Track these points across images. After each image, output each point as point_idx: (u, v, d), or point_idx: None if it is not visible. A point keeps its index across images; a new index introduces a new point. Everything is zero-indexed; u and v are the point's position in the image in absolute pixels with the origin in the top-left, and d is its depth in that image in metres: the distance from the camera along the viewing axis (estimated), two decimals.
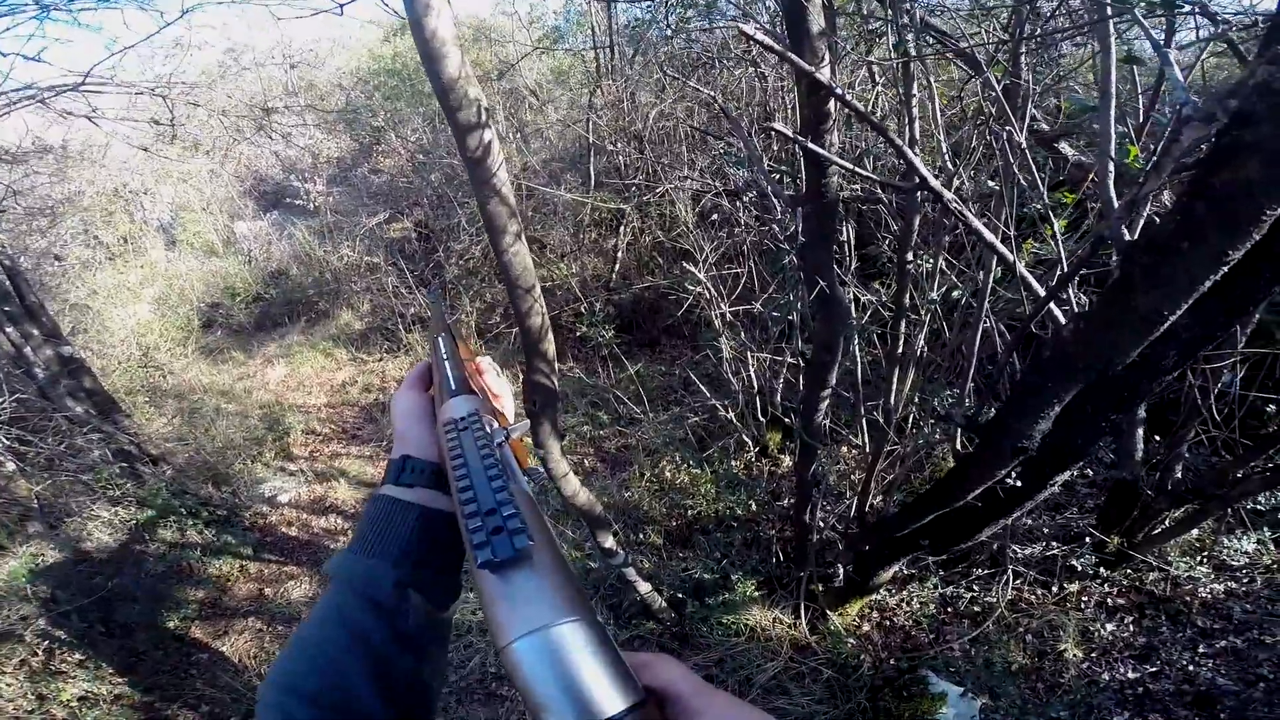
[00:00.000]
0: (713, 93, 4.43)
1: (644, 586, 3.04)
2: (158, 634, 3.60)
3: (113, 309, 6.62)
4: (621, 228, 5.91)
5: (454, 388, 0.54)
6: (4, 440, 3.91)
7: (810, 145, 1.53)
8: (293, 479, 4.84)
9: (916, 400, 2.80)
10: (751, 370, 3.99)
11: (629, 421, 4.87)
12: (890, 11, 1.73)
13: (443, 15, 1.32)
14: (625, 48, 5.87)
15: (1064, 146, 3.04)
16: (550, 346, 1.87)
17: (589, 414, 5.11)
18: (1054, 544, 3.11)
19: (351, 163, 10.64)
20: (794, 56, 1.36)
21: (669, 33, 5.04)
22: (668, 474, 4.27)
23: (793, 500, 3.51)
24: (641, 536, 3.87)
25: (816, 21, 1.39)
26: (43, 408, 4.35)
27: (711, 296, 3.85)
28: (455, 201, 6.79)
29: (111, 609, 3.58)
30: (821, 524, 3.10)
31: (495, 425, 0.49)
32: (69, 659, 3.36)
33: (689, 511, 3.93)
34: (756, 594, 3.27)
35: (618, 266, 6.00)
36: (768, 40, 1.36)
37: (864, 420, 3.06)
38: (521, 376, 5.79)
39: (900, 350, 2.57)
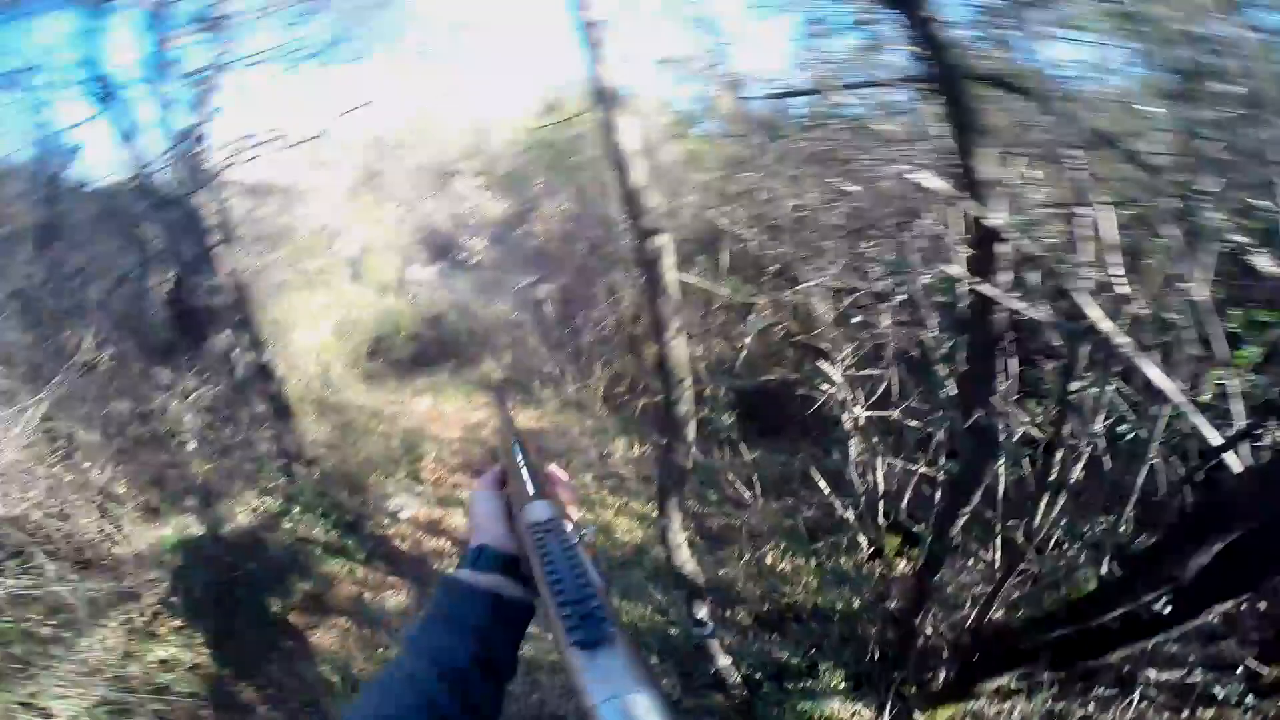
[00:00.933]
0: (855, 187, 4.47)
1: (723, 660, 3.04)
2: (257, 616, 3.86)
3: (302, 328, 7.60)
4: (750, 315, 6.00)
5: (533, 492, 0.62)
6: (198, 422, 4.55)
7: (980, 288, 1.53)
8: (416, 499, 5.19)
9: (1063, 524, 2.61)
10: (879, 475, 3.83)
11: (736, 504, 4.79)
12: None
13: (630, 130, 1.49)
14: (756, 137, 6.08)
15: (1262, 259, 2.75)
16: (691, 431, 1.99)
17: (698, 491, 5.11)
18: (1198, 670, 2.75)
19: (510, 225, 11.75)
20: (968, 201, 1.38)
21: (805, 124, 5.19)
22: (769, 559, 4.23)
23: (901, 603, 3.51)
24: (730, 614, 3.84)
25: (987, 166, 1.41)
26: (232, 401, 5.02)
27: (845, 398, 3.79)
28: (597, 272, 7.25)
29: (227, 586, 3.86)
30: (931, 629, 3.00)
31: (572, 528, 0.55)
32: (169, 625, 3.63)
33: (784, 599, 3.87)
34: (842, 686, 3.16)
35: (744, 354, 6.05)
36: (939, 185, 1.39)
37: (999, 537, 2.84)
38: (638, 449, 5.82)
39: (1053, 477, 2.38)
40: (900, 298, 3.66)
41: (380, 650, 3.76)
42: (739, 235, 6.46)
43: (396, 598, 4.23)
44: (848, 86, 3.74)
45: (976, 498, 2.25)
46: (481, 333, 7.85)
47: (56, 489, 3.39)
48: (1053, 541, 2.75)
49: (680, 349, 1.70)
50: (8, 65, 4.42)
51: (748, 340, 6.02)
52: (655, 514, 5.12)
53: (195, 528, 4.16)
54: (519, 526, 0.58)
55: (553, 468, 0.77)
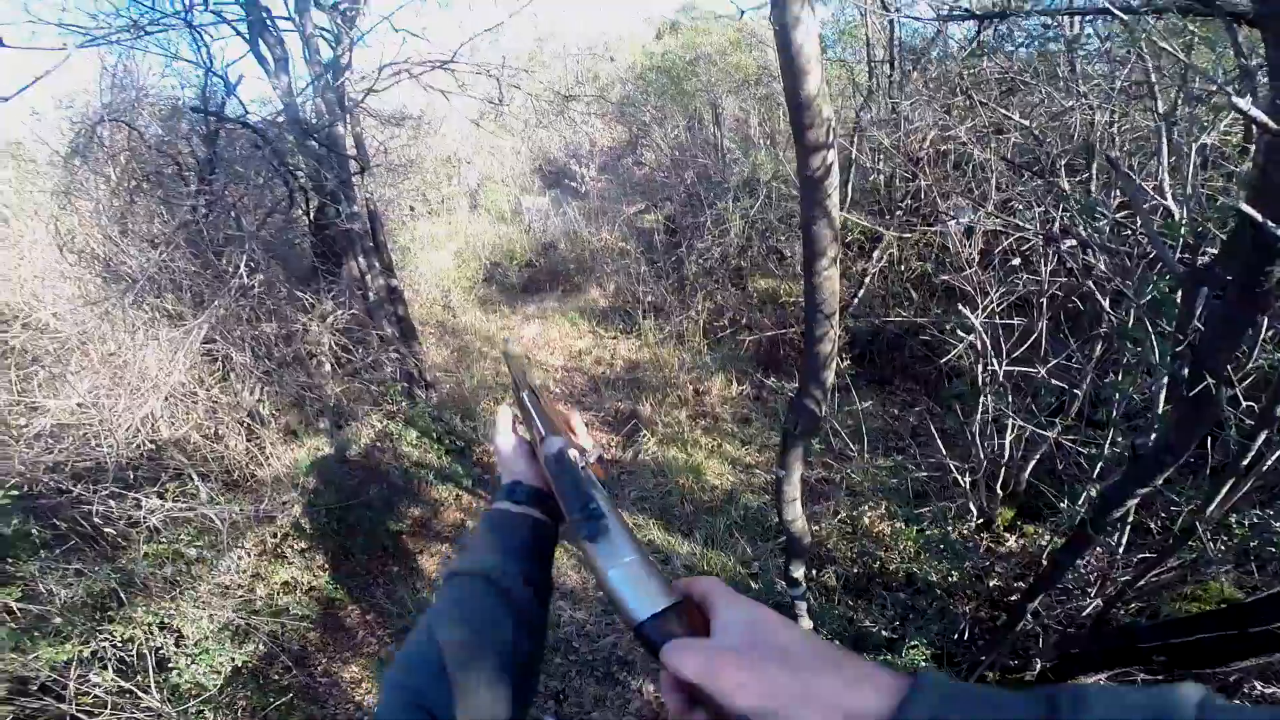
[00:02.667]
0: (1025, 120, 3.63)
1: (806, 623, 2.90)
2: (370, 539, 4.04)
3: (425, 254, 7.92)
4: (875, 252, 5.27)
5: (545, 431, 0.70)
6: (334, 343, 4.82)
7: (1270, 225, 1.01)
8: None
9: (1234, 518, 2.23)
10: (1008, 439, 3.40)
11: (839, 456, 4.39)
12: None
13: (811, 32, 1.13)
14: (904, 63, 5.15)
15: None
16: (830, 375, 1.74)
17: (819, 444, 4.77)
18: None
19: (620, 153, 11.32)
20: None
21: (971, 49, 4.26)
22: (866, 520, 3.90)
23: (1003, 581, 3.28)
24: (818, 574, 3.61)
25: None
26: (364, 324, 5.29)
27: (984, 348, 3.22)
28: (704, 202, 6.73)
29: (347, 509, 4.01)
30: (1037, 613, 2.73)
31: (578, 455, 0.64)
32: (295, 546, 3.83)
33: (876, 564, 3.60)
34: (922, 664, 2.88)
35: (862, 293, 5.39)
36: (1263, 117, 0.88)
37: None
38: (736, 387, 5.44)
39: (1247, 463, 1.85)
40: (1069, 243, 2.93)
41: None
42: (866, 166, 5.65)
43: None
44: (1060, 13, 2.89)
45: (1160, 480, 1.83)
46: (589, 261, 7.70)
47: (214, 411, 3.74)
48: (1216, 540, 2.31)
49: (833, 281, 1.44)
50: (169, 6, 4.62)
51: (868, 278, 5.36)
52: (749, 459, 4.93)
53: (326, 449, 4.43)
54: (541, 460, 0.67)
55: (561, 406, 0.82)
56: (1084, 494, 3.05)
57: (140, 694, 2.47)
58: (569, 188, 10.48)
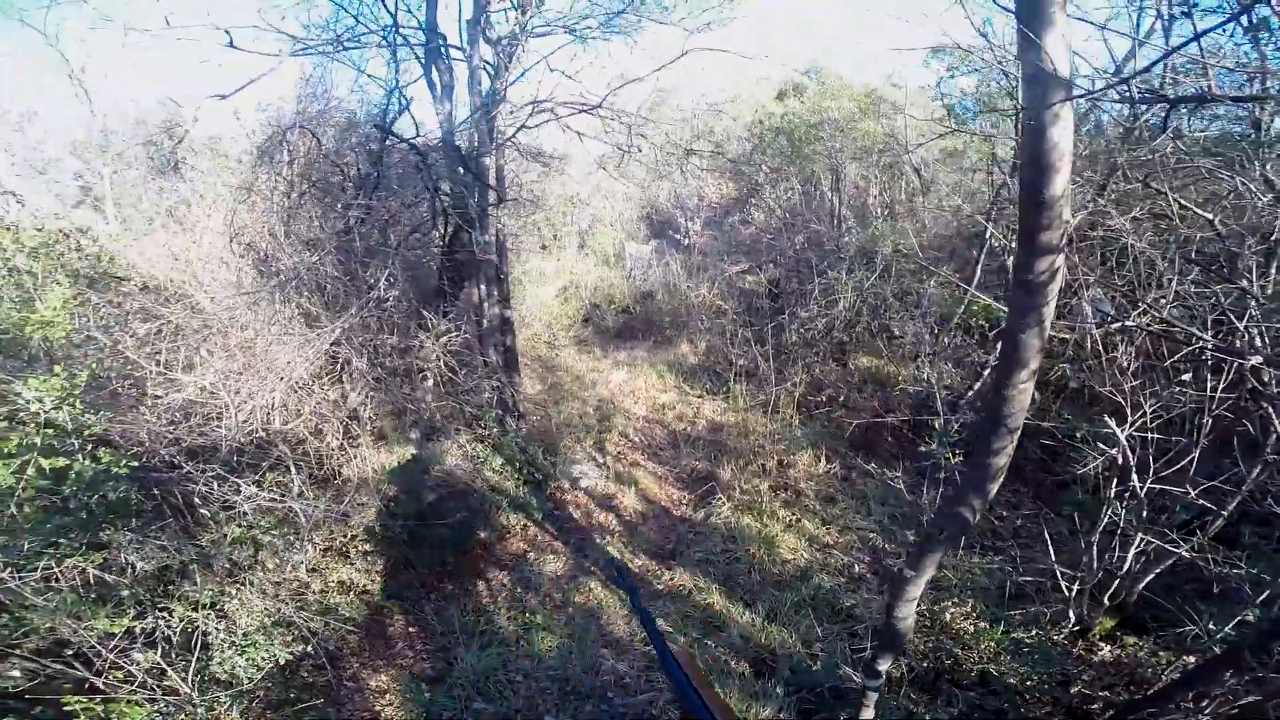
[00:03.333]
0: (1209, 215, 3.25)
1: (867, 713, 2.80)
2: (433, 553, 4.02)
3: (534, 288, 8.26)
4: (1000, 343, 4.87)
5: None
6: (444, 362, 5.04)
7: None
8: (598, 470, 5.24)
9: None
10: (1131, 551, 3.16)
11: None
12: None
13: (1067, 128, 1.04)
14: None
15: None
16: (995, 487, 1.60)
17: (890, 526, 4.57)
18: None
19: (728, 210, 11.45)
20: None
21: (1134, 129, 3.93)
22: (946, 616, 3.70)
23: (1085, 688, 3.05)
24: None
25: None
26: (473, 349, 5.51)
27: (1126, 462, 2.89)
28: (814, 269, 6.58)
29: (420, 521, 4.02)
30: None
31: None
32: (360, 548, 3.87)
33: (950, 660, 3.39)
34: None
35: (980, 384, 4.97)
36: None
37: None
38: (824, 464, 5.11)
39: None
40: (1256, 359, 2.53)
41: (524, 615, 3.77)
42: (999, 245, 5.31)
43: (555, 563, 4.25)
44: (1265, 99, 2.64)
45: None
46: (684, 315, 7.71)
47: (321, 407, 3.94)
48: None
49: (1026, 395, 1.33)
50: (366, 25, 4.94)
51: (987, 370, 4.94)
52: (828, 538, 4.57)
53: (413, 461, 4.54)
54: None
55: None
56: (1240, 617, 2.65)
57: (171, 675, 2.45)
58: (673, 239, 10.67)
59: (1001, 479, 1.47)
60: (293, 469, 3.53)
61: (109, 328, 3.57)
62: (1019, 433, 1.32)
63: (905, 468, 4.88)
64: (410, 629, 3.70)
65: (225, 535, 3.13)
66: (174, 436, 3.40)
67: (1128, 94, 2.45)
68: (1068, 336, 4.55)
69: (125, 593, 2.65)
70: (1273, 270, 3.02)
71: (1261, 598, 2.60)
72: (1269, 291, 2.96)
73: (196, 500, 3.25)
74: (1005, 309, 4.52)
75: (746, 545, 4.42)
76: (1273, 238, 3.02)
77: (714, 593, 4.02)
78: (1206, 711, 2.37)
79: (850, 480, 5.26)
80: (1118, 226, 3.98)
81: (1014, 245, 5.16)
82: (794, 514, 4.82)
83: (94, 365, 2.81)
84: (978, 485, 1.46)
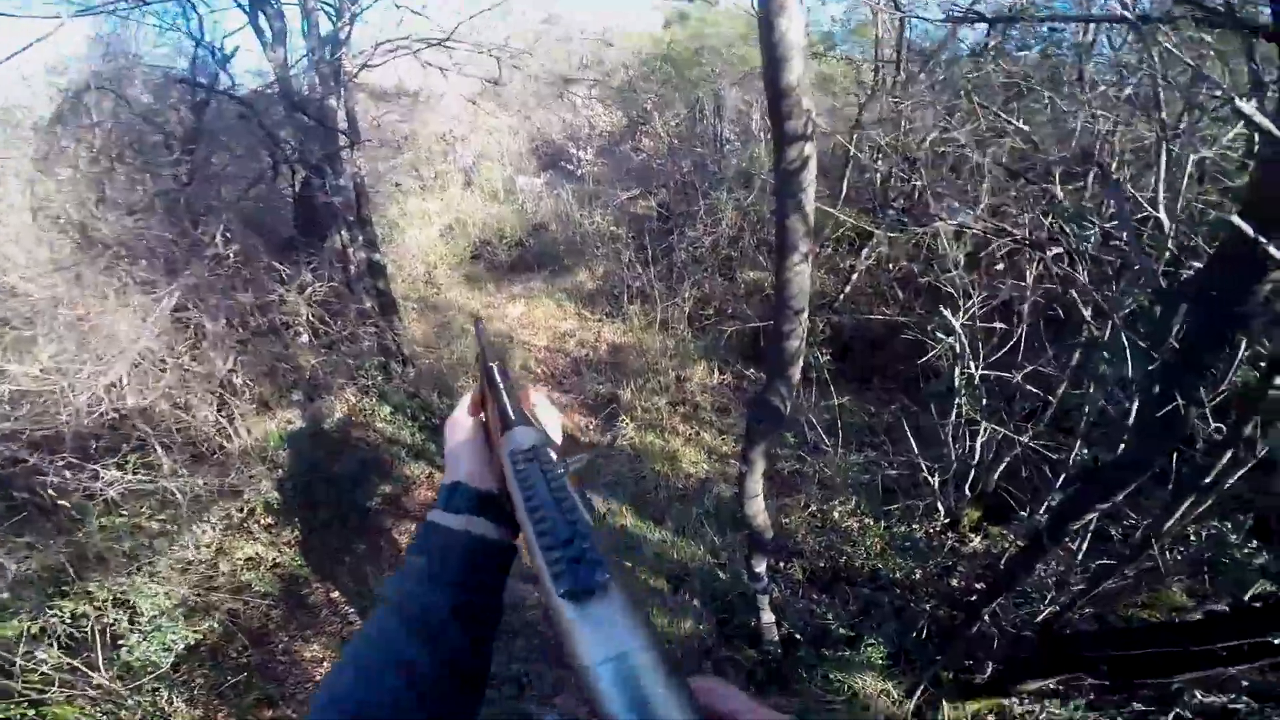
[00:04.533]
0: (1025, 126, 3.55)
1: (767, 616, 2.95)
2: (339, 515, 3.95)
3: (414, 230, 7.75)
4: (864, 250, 5.20)
5: (515, 418, 0.50)
6: (311, 315, 4.72)
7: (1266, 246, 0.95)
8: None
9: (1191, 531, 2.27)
10: (979, 441, 3.43)
11: (813, 449, 4.37)
12: None
13: (795, 18, 1.06)
14: (910, 65, 5.07)
15: None
16: (797, 371, 1.72)
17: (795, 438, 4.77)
18: (1246, 698, 2.31)
19: (618, 138, 11.11)
20: None
21: (980, 50, 4.18)
22: (835, 515, 3.94)
23: (964, 581, 3.28)
24: (783, 566, 3.62)
25: None
26: (343, 296, 5.17)
27: (963, 350, 3.22)
28: (699, 190, 6.61)
29: (318, 484, 3.93)
30: (994, 616, 2.77)
31: (558, 457, 0.45)
32: (262, 521, 3.76)
33: (842, 559, 3.63)
34: (879, 661, 2.97)
35: (848, 289, 5.32)
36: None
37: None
38: (718, 376, 5.42)
39: (1210, 480, 1.84)
40: (1055, 250, 2.87)
41: None
42: (864, 163, 5.55)
43: None
44: (1074, 19, 2.80)
45: (1120, 495, 1.83)
46: (579, 244, 7.58)
47: (184, 380, 3.62)
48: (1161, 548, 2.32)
49: (804, 277, 1.40)
50: None
51: (856, 275, 5.28)
52: (725, 448, 4.89)
53: (298, 422, 4.36)
54: (499, 456, 0.50)
55: (535, 390, 0.66)
56: (1046, 503, 3.05)
57: (89, 672, 2.41)
58: (565, 170, 10.29)
59: (800, 362, 1.58)
60: (158, 448, 3.30)
61: None
62: (805, 314, 1.42)
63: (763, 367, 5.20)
64: (331, 594, 3.66)
65: (89, 525, 2.93)
66: (10, 430, 3.07)
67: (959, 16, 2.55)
68: (921, 240, 4.93)
69: (5, 595, 2.51)
70: (1090, 179, 3.37)
71: (1059, 481, 2.93)
72: (1084, 196, 3.32)
73: (52, 492, 2.99)
74: (875, 218, 4.78)
75: (651, 463, 4.63)
76: (1073, 145, 3.37)
77: (627, 514, 4.20)
78: (1048, 600, 2.67)
79: (742, 389, 5.57)
80: (961, 142, 4.30)
81: (878, 162, 5.43)
82: (693, 427, 5.07)
83: None
84: (779, 371, 1.57)
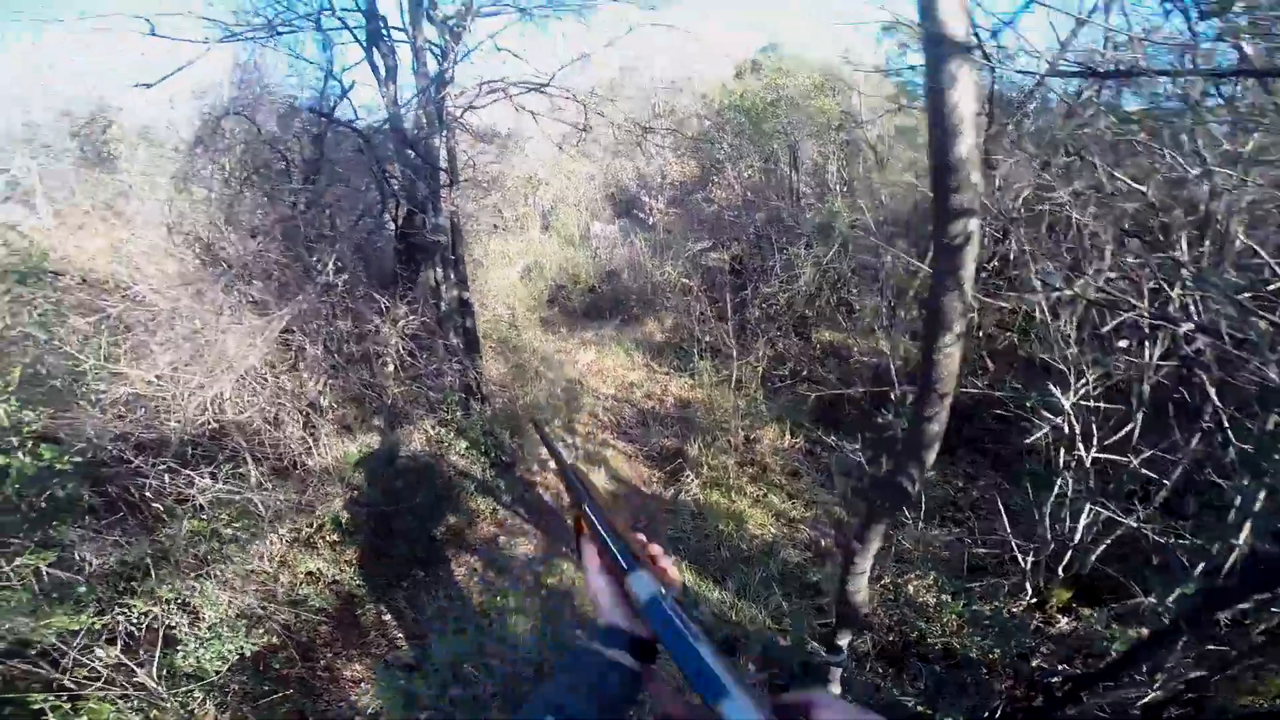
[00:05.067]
0: (1142, 188, 3.39)
1: (835, 689, 2.82)
2: (403, 541, 3.97)
3: (496, 269, 8.10)
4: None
5: (630, 563, 0.69)
6: (401, 347, 4.92)
7: None
8: (567, 450, 5.22)
9: None
10: (1082, 522, 3.21)
11: (892, 521, 4.14)
12: None
13: (967, 90, 1.03)
14: (1000, 117, 4.95)
15: None
16: (932, 455, 1.61)
17: (853, 499, 4.57)
18: None
19: (691, 189, 11.39)
20: None
21: (1075, 101, 4.04)
22: (910, 588, 3.75)
23: (1047, 663, 3.10)
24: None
25: None
26: (432, 332, 5.38)
27: (1072, 431, 3.01)
28: (774, 245, 6.62)
29: (387, 509, 3.97)
30: (1086, 700, 2.56)
31: (668, 591, 0.63)
32: (328, 538, 3.81)
33: (914, 634, 3.43)
34: None
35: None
36: None
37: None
38: (789, 439, 5.23)
39: None
40: (1188, 326, 2.65)
41: (497, 599, 3.77)
42: None
43: (526, 545, 4.25)
44: (1193, 74, 2.72)
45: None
46: (650, 293, 7.69)
47: (277, 396, 3.82)
48: None
49: (954, 359, 1.34)
50: (301, 9, 4.76)
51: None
52: (794, 513, 4.69)
53: (377, 448, 4.46)
54: (629, 598, 0.67)
55: (640, 536, 0.78)
56: (1180, 589, 2.77)
57: (136, 669, 2.44)
58: (638, 218, 10.59)
59: (937, 446, 1.49)
60: (249, 460, 3.44)
61: (47, 323, 3.40)
62: (950, 398, 1.34)
63: (865, 440, 5.01)
64: (383, 617, 3.66)
65: (175, 529, 3.04)
66: (121, 431, 3.26)
67: (1061, 69, 2.50)
68: (1017, 308, 4.70)
69: (82, 589, 2.59)
70: (1207, 243, 3.16)
71: (1199, 569, 2.69)
72: (1202, 263, 3.09)
73: (148, 495, 3.14)
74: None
75: (715, 522, 4.50)
76: (1201, 208, 3.16)
77: (687, 571, 4.07)
78: (1157, 685, 2.44)
79: (814, 454, 5.38)
80: (1061, 200, 4.13)
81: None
82: (760, 489, 4.91)
83: (28, 361, 2.65)
84: (915, 454, 1.48)
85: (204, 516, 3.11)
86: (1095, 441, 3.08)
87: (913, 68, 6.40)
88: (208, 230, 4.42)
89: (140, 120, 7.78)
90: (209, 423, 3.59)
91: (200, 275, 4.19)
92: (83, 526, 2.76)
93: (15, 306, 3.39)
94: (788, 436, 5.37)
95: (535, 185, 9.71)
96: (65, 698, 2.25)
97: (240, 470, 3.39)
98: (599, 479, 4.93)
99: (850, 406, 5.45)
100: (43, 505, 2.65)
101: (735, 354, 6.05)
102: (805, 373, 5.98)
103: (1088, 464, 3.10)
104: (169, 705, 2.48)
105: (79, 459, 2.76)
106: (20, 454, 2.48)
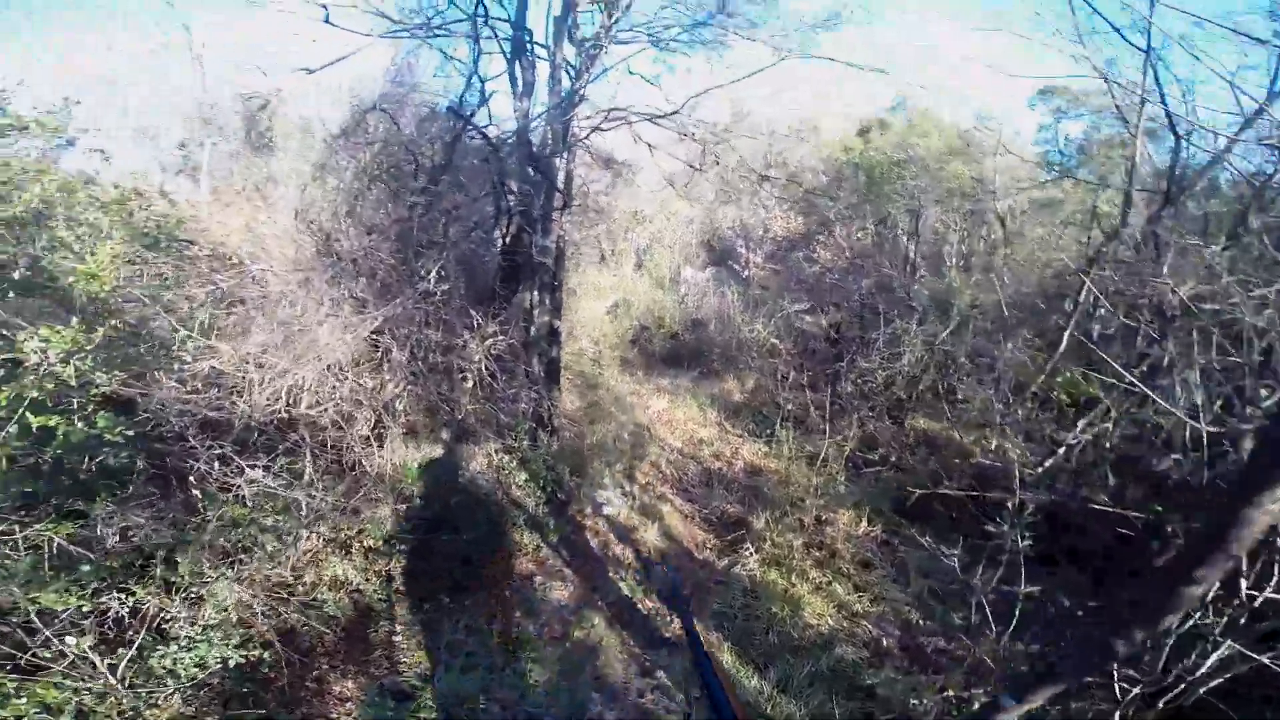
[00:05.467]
0: None
1: None
2: (439, 561, 3.79)
3: (586, 301, 8.14)
4: (1081, 421, 4.34)
5: None
6: (485, 366, 4.92)
7: None
8: (623, 499, 4.96)
9: None
10: (1211, 658, 2.62)
11: (971, 629, 3.60)
12: None
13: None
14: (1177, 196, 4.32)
15: None
16: (1174, 621, 1.25)
17: (928, 602, 4.22)
18: None
19: (792, 245, 11.06)
20: None
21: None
22: (976, 705, 3.28)
23: None
24: None
25: None
26: (516, 354, 5.35)
27: (1237, 567, 2.43)
28: (882, 316, 6.16)
29: (432, 524, 3.81)
30: None
31: None
32: (364, 544, 3.66)
33: None
34: None
35: (1051, 462, 4.44)
36: None
37: None
38: (865, 526, 4.66)
39: None
40: None
41: (519, 642, 3.53)
42: (1096, 308, 4.78)
43: (562, 590, 3.99)
44: None
45: None
46: (735, 349, 7.39)
47: (355, 393, 3.81)
48: None
49: (1267, 519, 1.01)
50: (457, 13, 4.94)
51: (1074, 448, 4.37)
52: (859, 606, 4.13)
53: (439, 460, 4.40)
54: None
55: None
56: None
57: (97, 663, 2.26)
58: (732, 269, 10.40)
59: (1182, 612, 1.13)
60: (309, 455, 3.40)
61: (158, 289, 3.46)
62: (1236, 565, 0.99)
63: (962, 543, 4.41)
64: (394, 637, 3.49)
65: (211, 518, 2.89)
66: (188, 406, 3.20)
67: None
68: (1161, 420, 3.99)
69: (86, 568, 2.47)
70: None
71: None
72: None
73: (192, 478, 3.04)
74: (1102, 382, 3.96)
75: (769, 603, 4.08)
76: None
77: (726, 650, 3.70)
78: None
79: (891, 546, 4.83)
80: (1233, 299, 3.49)
81: (1103, 310, 4.62)
82: (825, 574, 4.43)
83: (133, 323, 2.76)
84: (1148, 617, 1.14)
85: (247, 504, 3.01)
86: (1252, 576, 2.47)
87: (1069, 138, 5.90)
88: (330, 221, 4.64)
89: (301, 111, 8.48)
90: (280, 412, 3.53)
91: (313, 264, 4.32)
92: (123, 500, 2.67)
93: (137, 269, 3.40)
94: (864, 523, 4.86)
95: (639, 220, 9.78)
96: (16, 678, 2.10)
97: (295, 465, 3.33)
98: (651, 534, 4.63)
99: (941, 503, 4.86)
100: (90, 471, 2.56)
101: (818, 427, 5.62)
102: (894, 459, 5.43)
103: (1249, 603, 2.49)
104: (122, 703, 2.29)
105: (142, 428, 2.70)
106: (76, 418, 2.40)
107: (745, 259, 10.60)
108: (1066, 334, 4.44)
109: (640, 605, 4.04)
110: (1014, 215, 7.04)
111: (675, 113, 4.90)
